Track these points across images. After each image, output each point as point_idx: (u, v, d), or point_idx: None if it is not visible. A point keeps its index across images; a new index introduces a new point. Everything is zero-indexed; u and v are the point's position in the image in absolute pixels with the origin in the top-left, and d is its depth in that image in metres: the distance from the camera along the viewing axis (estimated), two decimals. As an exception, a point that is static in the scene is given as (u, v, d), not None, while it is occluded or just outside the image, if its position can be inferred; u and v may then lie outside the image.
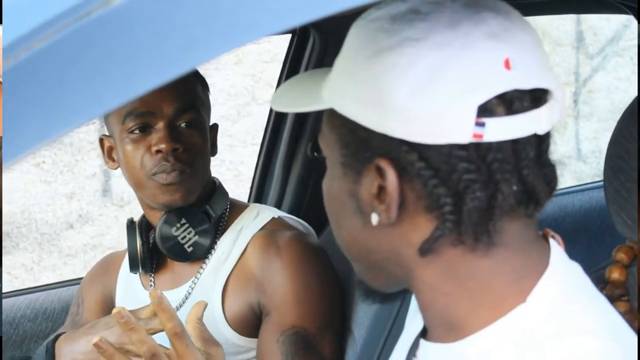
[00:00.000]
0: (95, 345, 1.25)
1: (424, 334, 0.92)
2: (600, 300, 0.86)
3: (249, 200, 2.21)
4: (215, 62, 5.02)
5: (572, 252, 1.57)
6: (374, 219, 0.84)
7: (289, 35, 2.07)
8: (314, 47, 2.01)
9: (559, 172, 0.87)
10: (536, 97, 0.81)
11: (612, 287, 1.24)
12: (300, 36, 2.01)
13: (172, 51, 0.68)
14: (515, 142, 0.81)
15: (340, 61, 0.87)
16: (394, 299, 1.49)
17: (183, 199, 1.56)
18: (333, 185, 0.89)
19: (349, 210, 0.87)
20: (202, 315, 1.31)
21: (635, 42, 5.00)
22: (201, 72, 1.63)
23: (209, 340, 1.30)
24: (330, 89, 0.87)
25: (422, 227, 0.83)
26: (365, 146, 0.84)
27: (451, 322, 0.85)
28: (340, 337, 1.61)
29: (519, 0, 1.93)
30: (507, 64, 0.80)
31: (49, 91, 0.66)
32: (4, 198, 4.58)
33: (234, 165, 4.53)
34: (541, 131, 0.82)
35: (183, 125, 1.55)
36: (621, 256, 1.25)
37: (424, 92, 0.79)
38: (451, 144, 0.80)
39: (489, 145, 0.80)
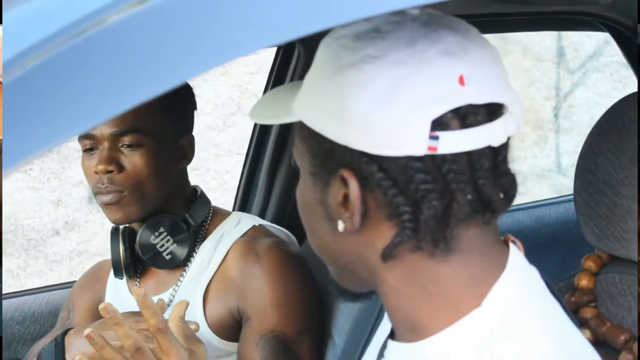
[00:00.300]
0: (87, 337, 1.28)
1: (392, 335, 0.96)
2: (551, 304, 0.89)
3: (233, 209, 2.24)
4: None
5: (549, 263, 1.63)
6: (340, 225, 0.88)
7: (275, 48, 2.11)
8: (299, 59, 2.05)
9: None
10: (491, 111, 0.85)
11: (580, 294, 1.29)
12: (285, 49, 2.05)
13: (161, 67, 0.72)
14: (469, 154, 0.84)
15: (309, 76, 0.91)
16: (367, 298, 1.54)
17: (125, 219, 1.60)
18: (304, 193, 0.93)
19: (319, 216, 0.91)
20: (184, 314, 1.35)
21: (615, 58, 5.06)
22: (189, 82, 1.65)
23: (191, 337, 1.34)
24: (300, 102, 0.91)
25: (384, 234, 0.87)
26: (331, 157, 0.87)
27: (414, 324, 0.89)
28: (319, 341, 1.64)
29: (497, 18, 1.99)
30: (461, 80, 0.83)
31: (43, 105, 0.70)
32: (-8, 204, 4.60)
33: (219, 174, 4.55)
34: (495, 143, 0.85)
35: (125, 147, 1.58)
36: (590, 264, 1.30)
37: (382, 107, 0.83)
38: (408, 156, 0.83)
39: (444, 157, 0.83)
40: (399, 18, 0.87)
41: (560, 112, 5.18)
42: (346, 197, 0.87)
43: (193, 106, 1.72)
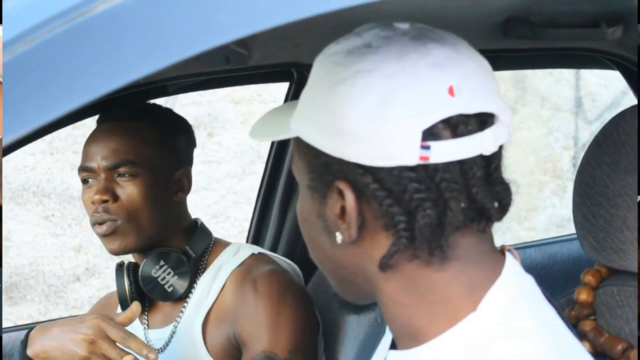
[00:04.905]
0: None
1: (394, 347, 0.97)
2: (546, 309, 0.91)
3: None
4: (222, 120, 5.11)
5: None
6: (338, 237, 0.90)
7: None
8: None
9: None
10: (482, 121, 0.87)
11: (580, 308, 1.30)
12: (297, 83, 2.08)
13: (158, 46, 0.76)
14: (462, 163, 0.86)
15: (305, 93, 0.94)
16: (368, 310, 1.55)
17: (121, 248, 1.64)
18: (304, 207, 0.95)
19: (318, 229, 0.93)
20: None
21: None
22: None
23: None
24: (296, 118, 0.94)
25: (381, 244, 0.89)
26: (327, 170, 0.90)
27: (412, 332, 0.91)
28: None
29: (506, 54, 2.01)
30: (451, 91, 0.86)
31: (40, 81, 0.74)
32: (14, 251, 4.64)
33: (238, 222, 4.58)
34: (487, 152, 0.87)
35: (122, 177, 1.64)
36: (589, 278, 1.31)
37: (374, 119, 0.86)
38: (401, 166, 0.86)
39: (437, 166, 0.86)
40: (389, 33, 0.90)
41: (578, 161, 5.17)
42: (343, 210, 0.89)
43: (190, 141, 1.76)
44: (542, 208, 4.83)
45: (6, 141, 0.73)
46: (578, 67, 3.20)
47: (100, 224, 1.63)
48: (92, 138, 1.69)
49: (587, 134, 5.26)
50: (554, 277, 2.21)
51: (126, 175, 1.64)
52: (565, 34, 1.85)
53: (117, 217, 1.62)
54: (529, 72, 5.05)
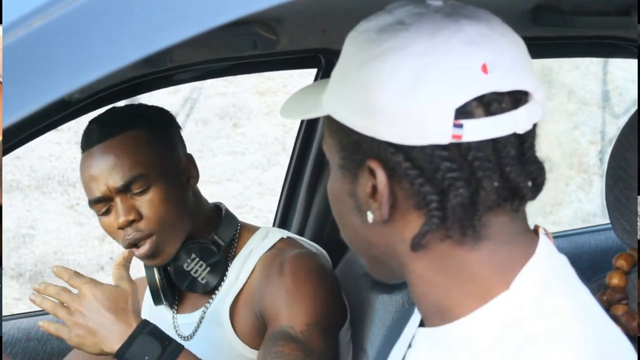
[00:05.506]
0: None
1: (422, 325, 0.96)
2: (580, 288, 0.90)
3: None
4: (247, 111, 5.11)
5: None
6: (370, 217, 0.90)
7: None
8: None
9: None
10: (516, 99, 0.86)
11: (612, 292, 1.29)
12: (325, 70, 2.07)
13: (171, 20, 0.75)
14: (495, 142, 0.86)
15: (336, 71, 0.93)
16: (396, 293, 1.54)
17: (165, 259, 1.63)
18: (335, 186, 0.95)
19: (349, 209, 0.93)
20: (125, 261, 1.52)
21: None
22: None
23: (122, 278, 1.50)
24: (327, 96, 0.93)
25: (413, 224, 0.89)
26: (358, 149, 0.90)
27: (442, 310, 0.90)
28: (336, 339, 1.64)
29: (535, 42, 1.99)
30: (484, 68, 0.85)
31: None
32: (39, 240, 4.66)
33: (262, 213, 4.59)
34: (521, 130, 0.87)
35: (136, 193, 1.60)
36: (621, 263, 1.30)
37: (406, 97, 0.85)
38: (433, 145, 0.85)
39: (470, 145, 0.85)
40: (422, 10, 0.89)
41: (605, 156, 5.16)
42: (374, 188, 0.89)
43: (178, 127, 1.73)
44: (567, 203, 4.80)
45: (10, 121, 0.73)
46: (607, 56, 3.17)
47: (137, 245, 1.60)
48: (88, 166, 1.62)
49: (614, 129, 5.23)
50: (582, 267, 2.17)
51: (141, 190, 1.60)
52: (595, 22, 1.83)
53: (151, 231, 1.60)
54: (555, 65, 5.00)
